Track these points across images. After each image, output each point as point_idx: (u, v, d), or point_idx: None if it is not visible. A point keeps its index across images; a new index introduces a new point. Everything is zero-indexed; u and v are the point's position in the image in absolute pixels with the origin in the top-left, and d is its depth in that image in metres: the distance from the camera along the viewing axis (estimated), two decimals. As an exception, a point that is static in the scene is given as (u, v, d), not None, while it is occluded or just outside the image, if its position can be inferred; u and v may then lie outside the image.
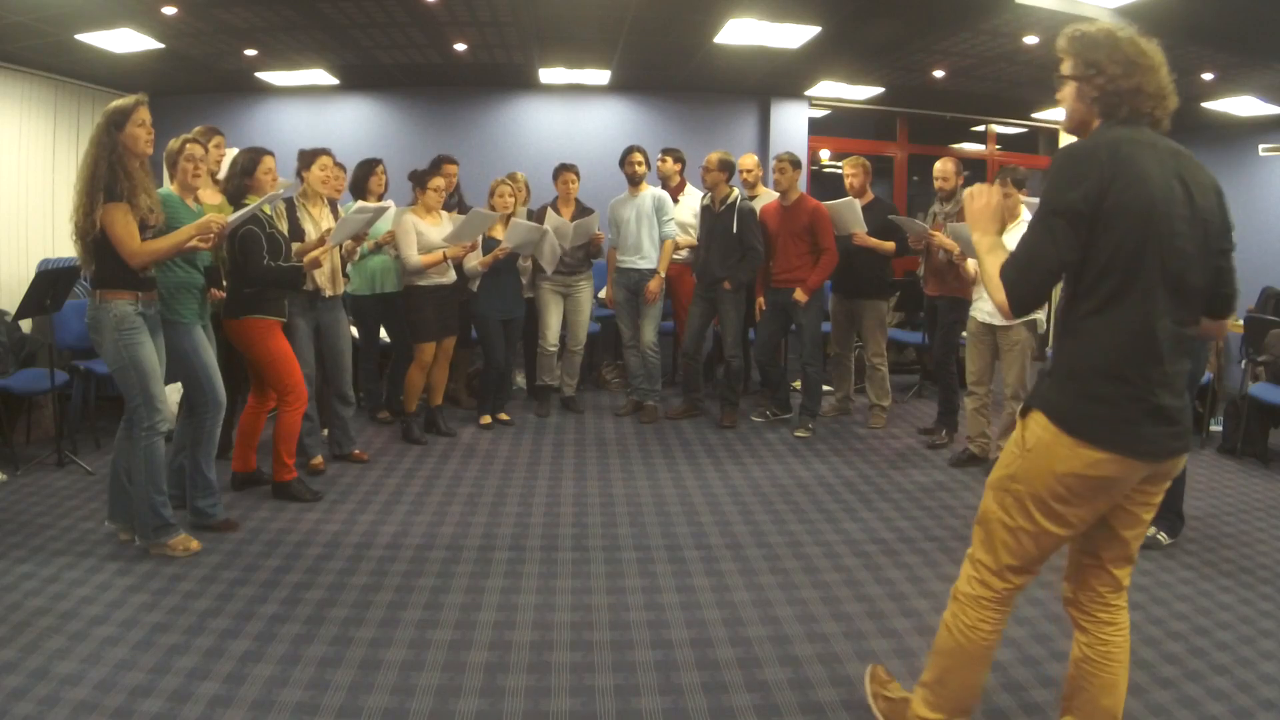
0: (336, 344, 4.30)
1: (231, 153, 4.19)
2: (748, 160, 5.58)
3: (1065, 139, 8.19)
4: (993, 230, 1.91)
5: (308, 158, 4.23)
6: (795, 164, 5.01)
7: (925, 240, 4.73)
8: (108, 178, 2.90)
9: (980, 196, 1.94)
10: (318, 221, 4.19)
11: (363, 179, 4.67)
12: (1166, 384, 1.71)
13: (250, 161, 3.62)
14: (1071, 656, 1.99)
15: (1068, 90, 1.84)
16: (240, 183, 3.60)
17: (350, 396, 4.41)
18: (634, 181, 5.37)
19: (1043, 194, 1.74)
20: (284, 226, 4.11)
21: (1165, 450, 1.74)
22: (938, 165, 4.97)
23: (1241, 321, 5.64)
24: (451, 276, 4.76)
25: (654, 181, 5.64)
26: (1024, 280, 1.74)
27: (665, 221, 5.34)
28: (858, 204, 4.99)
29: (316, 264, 3.84)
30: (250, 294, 3.57)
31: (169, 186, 3.37)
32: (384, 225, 4.66)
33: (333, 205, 4.39)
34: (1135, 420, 1.70)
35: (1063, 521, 1.79)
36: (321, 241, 4.00)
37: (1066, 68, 1.83)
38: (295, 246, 3.96)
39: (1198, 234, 1.71)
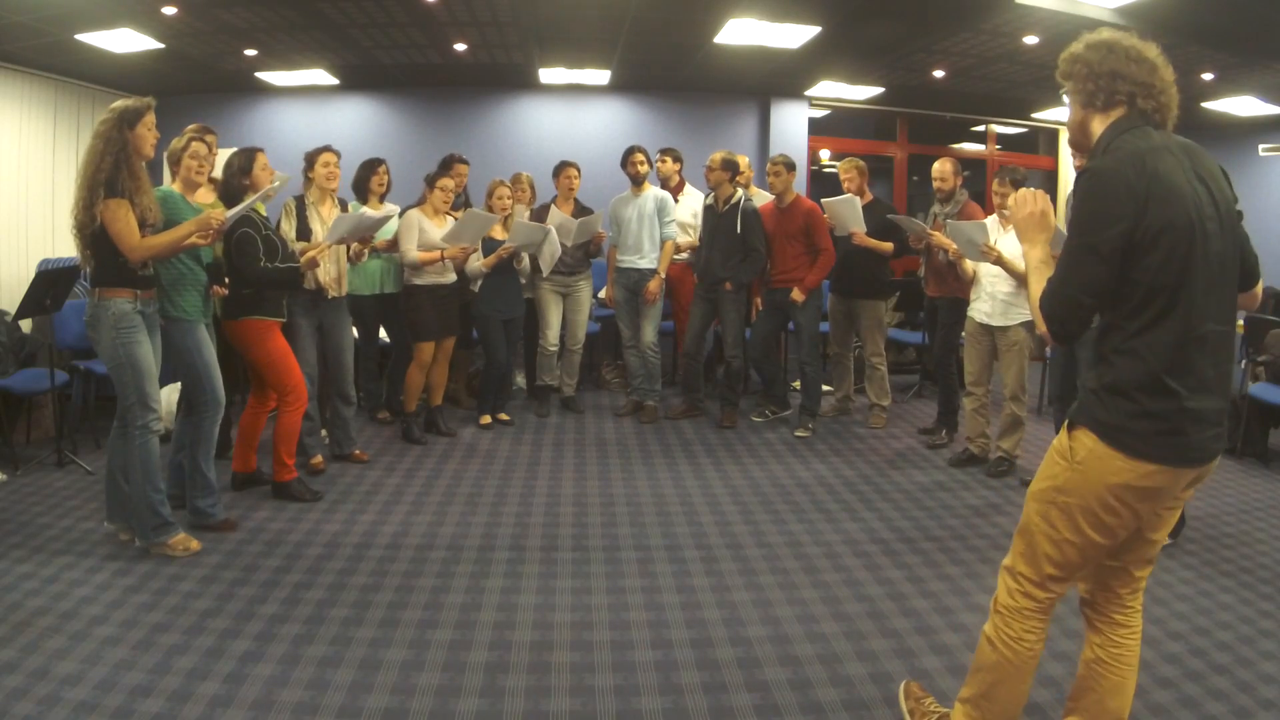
0: (339, 343, 4.30)
1: (225, 154, 4.18)
2: (741, 161, 5.56)
3: (1065, 140, 8.19)
4: (1041, 240, 1.85)
5: (311, 157, 4.26)
6: (790, 166, 5.01)
7: (925, 240, 4.73)
8: (111, 173, 2.91)
9: (1027, 204, 1.88)
10: (326, 221, 4.19)
11: (364, 179, 4.67)
12: (1205, 388, 1.69)
13: (245, 160, 3.62)
14: (1082, 657, 1.99)
15: (1069, 105, 1.84)
16: (238, 182, 3.59)
17: (352, 396, 4.42)
18: (636, 181, 5.36)
19: (1074, 220, 1.71)
20: (291, 225, 4.11)
21: (1210, 453, 1.74)
22: (936, 166, 4.97)
23: (1241, 322, 5.64)
24: (451, 277, 4.76)
25: (654, 181, 5.64)
26: (1061, 313, 1.72)
27: (666, 223, 5.33)
28: (858, 201, 4.98)
29: (314, 264, 3.84)
30: (248, 295, 3.57)
31: (170, 185, 3.37)
32: (389, 231, 4.66)
33: (343, 206, 4.39)
34: (1182, 430, 1.69)
35: (1108, 532, 1.78)
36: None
37: (1064, 83, 1.84)
38: (300, 246, 3.97)
39: (1226, 229, 1.71)
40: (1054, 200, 7.91)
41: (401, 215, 4.70)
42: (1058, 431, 4.04)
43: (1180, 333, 1.67)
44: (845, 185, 5.18)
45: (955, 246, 4.37)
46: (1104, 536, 1.78)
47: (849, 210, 4.94)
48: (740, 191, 5.07)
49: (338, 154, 4.32)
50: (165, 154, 3.39)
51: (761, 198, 5.49)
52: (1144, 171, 1.64)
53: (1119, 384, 1.72)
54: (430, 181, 4.76)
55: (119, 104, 3.00)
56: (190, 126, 3.91)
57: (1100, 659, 1.93)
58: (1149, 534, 1.86)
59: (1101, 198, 1.67)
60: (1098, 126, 1.79)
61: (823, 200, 5.04)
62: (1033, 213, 1.87)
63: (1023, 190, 1.91)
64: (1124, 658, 1.92)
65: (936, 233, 4.65)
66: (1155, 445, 1.69)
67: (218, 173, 3.94)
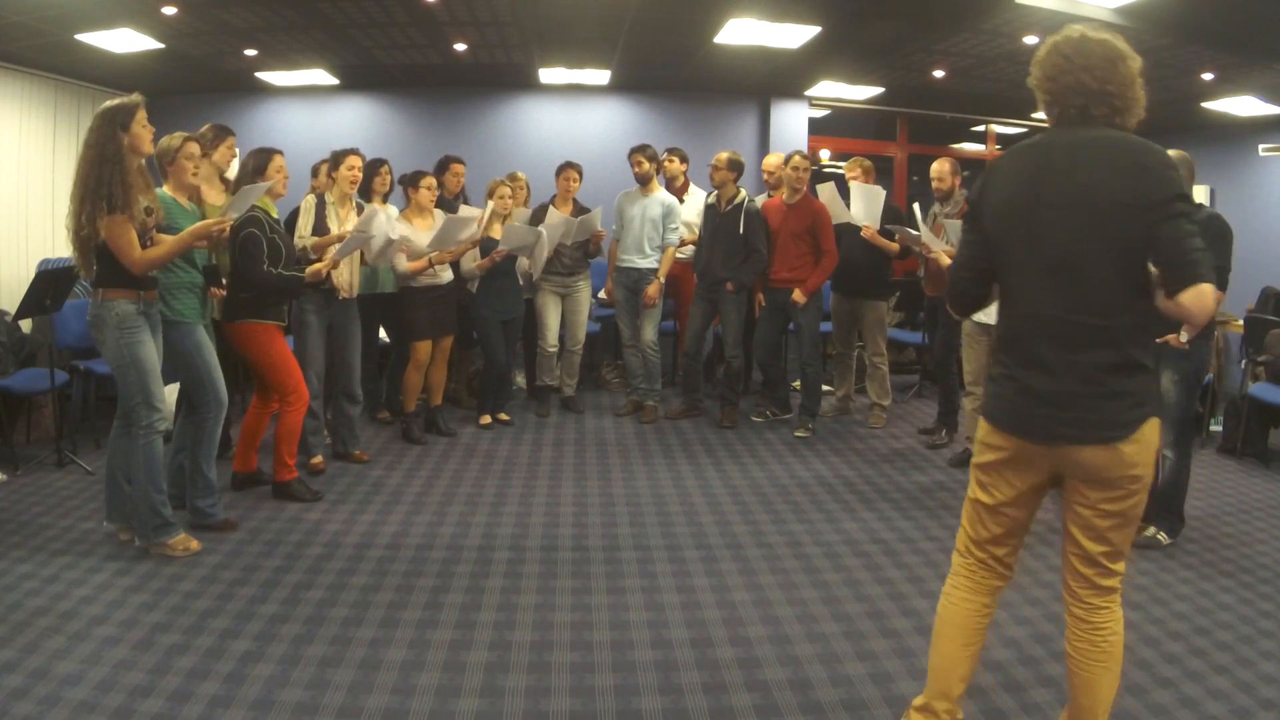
0: (347, 342, 4.30)
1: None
2: (772, 160, 5.54)
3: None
4: None
5: (338, 157, 4.25)
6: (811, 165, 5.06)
7: (918, 248, 4.74)
8: (109, 186, 2.86)
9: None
10: (343, 222, 4.19)
11: (368, 179, 4.67)
12: (1039, 366, 1.80)
13: (261, 161, 3.62)
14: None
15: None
16: (250, 182, 3.58)
17: (358, 395, 4.42)
18: (641, 181, 5.34)
19: None
20: (309, 223, 4.11)
21: (1049, 434, 1.79)
22: (934, 166, 4.96)
23: (1241, 321, 5.64)
24: (446, 277, 4.75)
25: (662, 182, 5.64)
26: (950, 283, 1.97)
27: (671, 229, 5.30)
28: (883, 194, 4.95)
29: (319, 276, 3.82)
30: (248, 298, 3.57)
31: (163, 188, 3.34)
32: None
33: (359, 208, 4.38)
34: (1009, 398, 1.86)
35: (986, 491, 1.95)
36: (337, 240, 4.01)
37: (1030, 84, 1.93)
38: (311, 242, 3.96)
39: (1082, 219, 1.72)
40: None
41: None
42: None
43: (1016, 307, 1.86)
44: (852, 184, 5.17)
45: (952, 249, 4.37)
46: (985, 495, 1.95)
47: (872, 201, 4.90)
48: (745, 192, 5.07)
49: (363, 157, 4.31)
50: (155, 155, 3.33)
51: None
52: (1001, 159, 1.88)
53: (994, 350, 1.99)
54: (413, 181, 4.72)
55: (108, 106, 2.94)
56: (206, 127, 3.91)
57: (1069, 653, 1.94)
58: (1072, 528, 1.87)
59: (976, 181, 1.95)
60: None
61: (852, 183, 5.03)
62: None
63: None
64: (1089, 654, 1.89)
65: (932, 242, 4.65)
66: (991, 406, 1.92)
67: (232, 173, 3.94)
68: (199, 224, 3.12)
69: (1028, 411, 1.82)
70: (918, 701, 2.05)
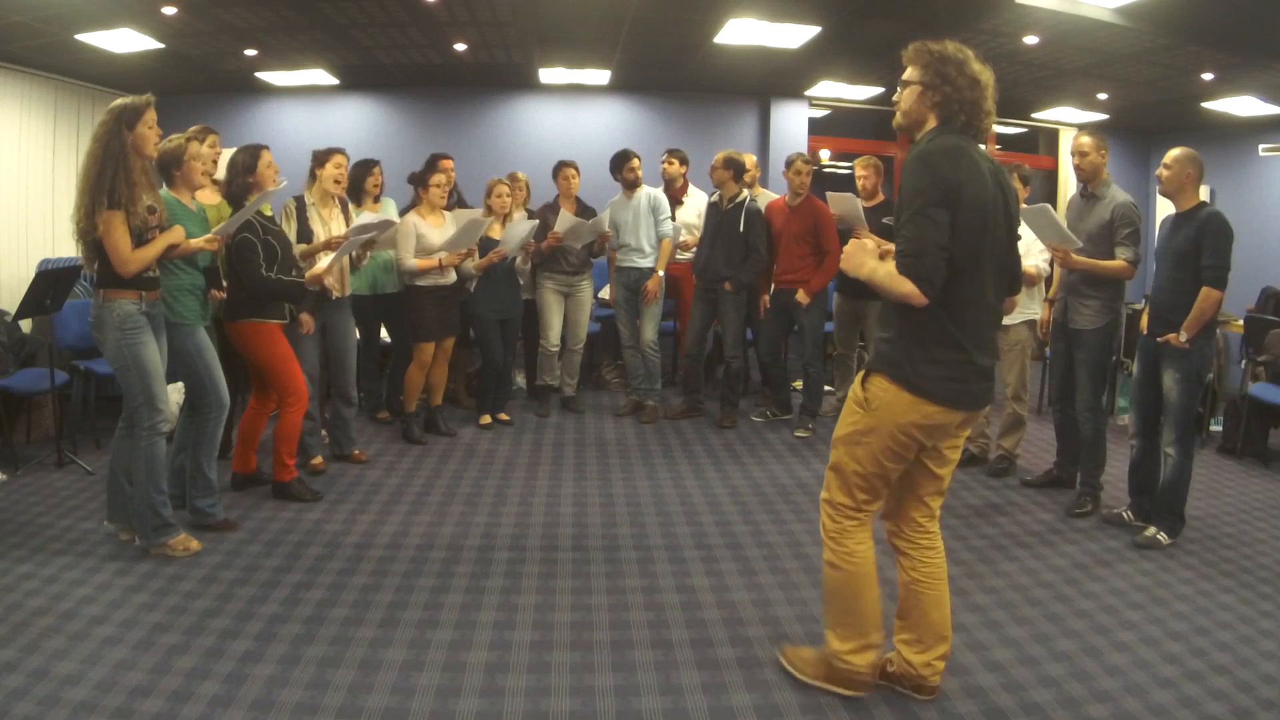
0: (341, 344, 4.29)
1: (228, 153, 4.18)
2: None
3: (1066, 140, 8.21)
4: (871, 260, 2.13)
5: (322, 157, 4.22)
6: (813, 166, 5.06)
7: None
8: (112, 181, 2.89)
9: (850, 257, 2.18)
10: (327, 223, 4.17)
11: (359, 179, 4.66)
12: (985, 347, 2.14)
13: (250, 158, 3.60)
14: (900, 581, 2.33)
15: (909, 92, 2.15)
16: (243, 181, 3.57)
17: (353, 396, 4.41)
18: (631, 186, 5.35)
19: (914, 192, 2.02)
20: (292, 226, 4.10)
21: (983, 402, 2.18)
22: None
23: (1241, 321, 5.65)
24: (451, 277, 4.76)
25: (657, 182, 5.65)
26: (923, 264, 1.99)
27: (662, 220, 5.32)
28: (858, 201, 4.96)
29: (318, 280, 3.81)
30: (249, 297, 3.56)
31: (165, 190, 3.34)
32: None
33: (344, 206, 4.37)
34: (965, 379, 2.10)
35: (901, 460, 2.18)
36: (330, 245, 4.00)
37: (914, 74, 2.14)
38: (300, 248, 3.95)
39: (1011, 229, 2.16)
40: (1054, 199, 7.92)
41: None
42: (1057, 431, 4.03)
43: (975, 298, 2.08)
44: (861, 184, 5.13)
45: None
46: (897, 463, 2.18)
47: (849, 207, 4.92)
48: (746, 191, 5.07)
49: (348, 158, 4.27)
50: (158, 158, 3.33)
51: (765, 196, 5.48)
52: (963, 159, 2.02)
53: (917, 335, 2.08)
54: (423, 180, 4.72)
55: (117, 103, 2.98)
56: (193, 128, 3.90)
57: (915, 580, 2.29)
58: (936, 470, 2.25)
59: (933, 169, 2.01)
60: (931, 126, 2.14)
61: (828, 194, 5.03)
62: (852, 253, 2.17)
63: (844, 250, 2.22)
64: (936, 574, 2.29)
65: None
66: (943, 388, 2.08)
67: (221, 173, 3.93)
68: (182, 240, 3.14)
69: (976, 386, 2.13)
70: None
